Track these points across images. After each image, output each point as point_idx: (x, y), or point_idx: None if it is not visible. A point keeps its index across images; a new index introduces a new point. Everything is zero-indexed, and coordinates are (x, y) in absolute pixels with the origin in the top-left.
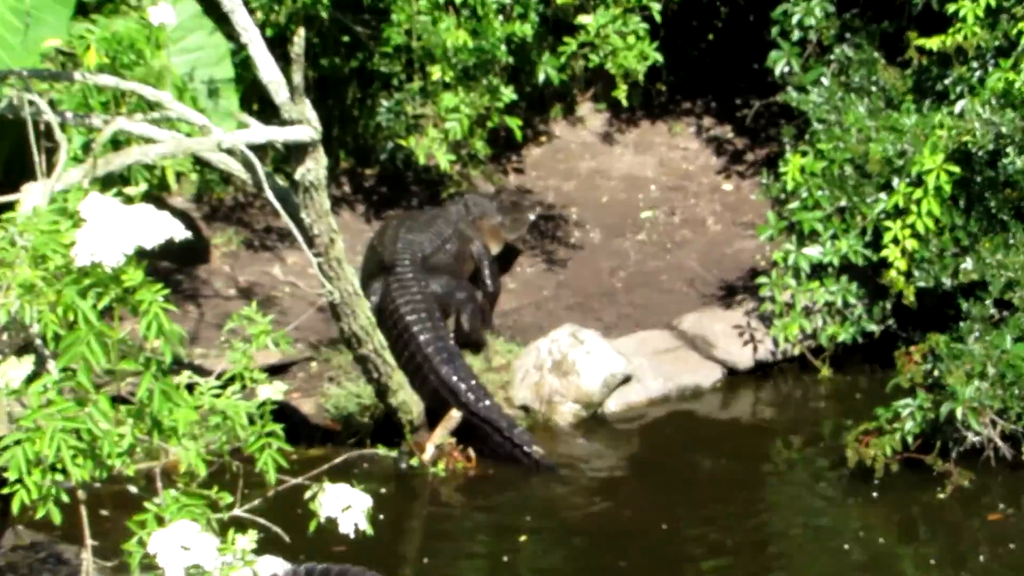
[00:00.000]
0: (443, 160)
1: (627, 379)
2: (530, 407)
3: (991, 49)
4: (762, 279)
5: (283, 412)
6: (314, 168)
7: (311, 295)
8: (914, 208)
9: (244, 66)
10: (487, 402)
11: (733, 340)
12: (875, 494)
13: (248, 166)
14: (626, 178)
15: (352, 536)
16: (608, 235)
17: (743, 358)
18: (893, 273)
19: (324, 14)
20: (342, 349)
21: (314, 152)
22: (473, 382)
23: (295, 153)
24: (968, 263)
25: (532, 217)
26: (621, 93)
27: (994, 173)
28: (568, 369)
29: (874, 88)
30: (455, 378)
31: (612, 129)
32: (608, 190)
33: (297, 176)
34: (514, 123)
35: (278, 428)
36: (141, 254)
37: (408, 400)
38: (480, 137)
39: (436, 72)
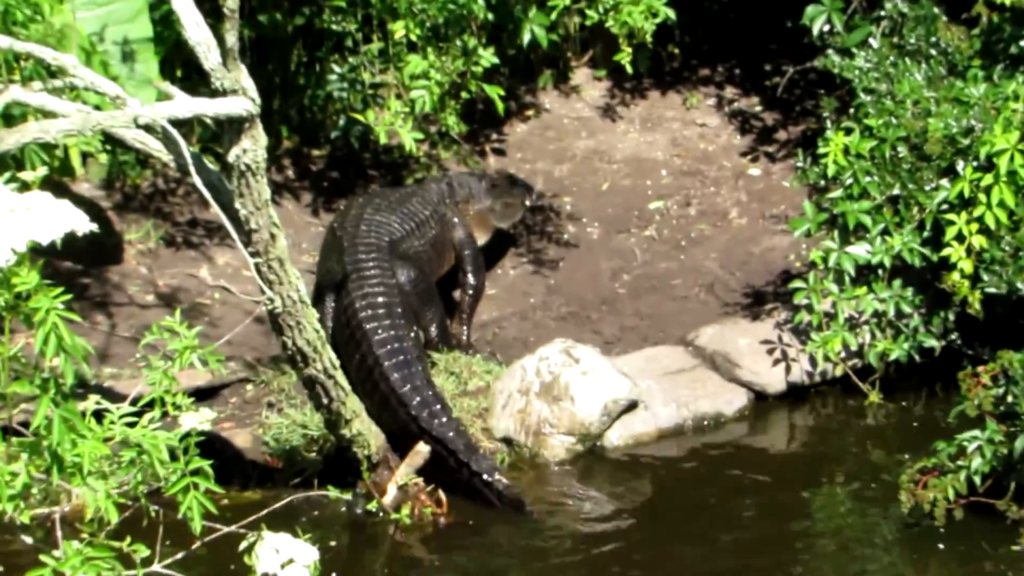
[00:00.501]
0: (408, 139)
1: (632, 406)
2: (513, 440)
3: None
4: (797, 284)
5: (212, 445)
6: (251, 148)
7: (247, 303)
8: (982, 197)
9: (165, 23)
10: (443, 418)
11: (761, 358)
12: (937, 546)
13: (170, 145)
14: (631, 161)
15: None
16: (609, 230)
17: (773, 380)
18: (956, 276)
19: None
20: (285, 369)
21: (251, 129)
22: (429, 393)
23: (228, 130)
24: None
25: (528, 202)
26: (625, 57)
27: None
28: (560, 394)
29: (934, 51)
30: (407, 387)
31: (614, 101)
32: (609, 175)
33: (230, 158)
34: (494, 93)
35: (206, 465)
36: (37, 251)
37: (365, 431)
38: (453, 110)
39: (399, 30)
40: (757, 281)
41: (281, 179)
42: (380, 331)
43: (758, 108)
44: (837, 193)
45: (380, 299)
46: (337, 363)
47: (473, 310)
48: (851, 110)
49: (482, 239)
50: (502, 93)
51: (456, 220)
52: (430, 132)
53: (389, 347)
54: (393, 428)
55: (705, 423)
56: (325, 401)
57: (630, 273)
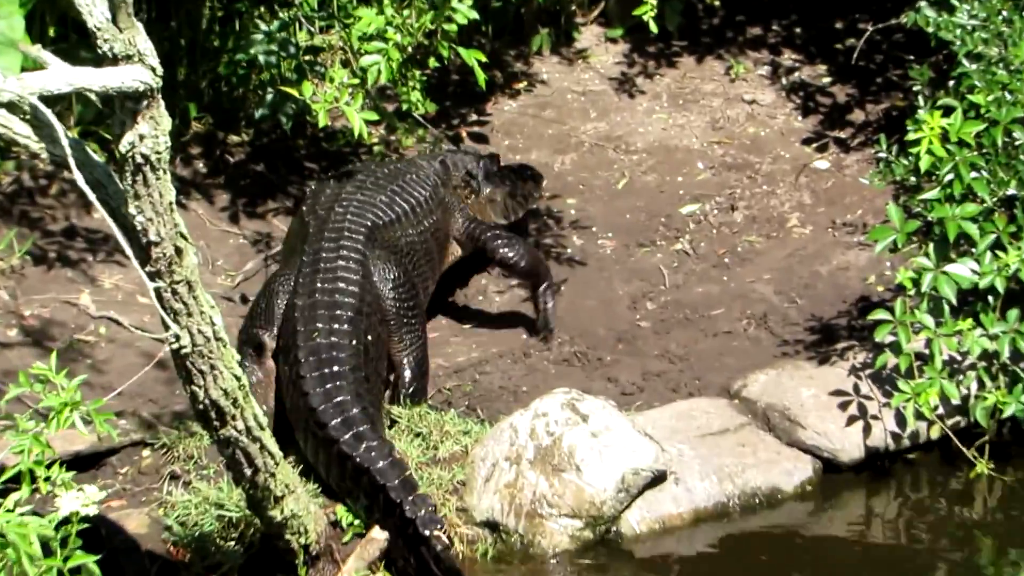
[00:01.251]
0: (357, 121)
1: (659, 478)
2: (500, 524)
3: None
4: (879, 315)
5: (97, 532)
6: (150, 135)
7: (143, 340)
8: None
9: None
10: (373, 442)
11: (831, 415)
12: None
13: (41, 130)
14: (656, 150)
15: None
16: (628, 243)
17: (848, 444)
18: None
19: None
20: (194, 429)
21: (150, 108)
22: (355, 411)
23: (119, 110)
24: None
25: (537, 195)
26: (648, 11)
27: None
28: (562, 462)
29: None
30: (327, 403)
31: (633, 70)
32: (627, 169)
33: (122, 147)
34: (473, 59)
35: (89, 561)
36: None
37: (301, 512)
38: (417, 83)
39: None
40: (825, 311)
41: (189, 175)
42: (314, 337)
43: (826, 80)
44: (933, 193)
45: (334, 299)
46: (265, 421)
47: (546, 296)
48: (951, 82)
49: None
50: (483, 59)
51: (460, 206)
52: (387, 112)
53: (316, 357)
54: (316, 462)
55: (756, 501)
56: (248, 472)
57: (655, 301)
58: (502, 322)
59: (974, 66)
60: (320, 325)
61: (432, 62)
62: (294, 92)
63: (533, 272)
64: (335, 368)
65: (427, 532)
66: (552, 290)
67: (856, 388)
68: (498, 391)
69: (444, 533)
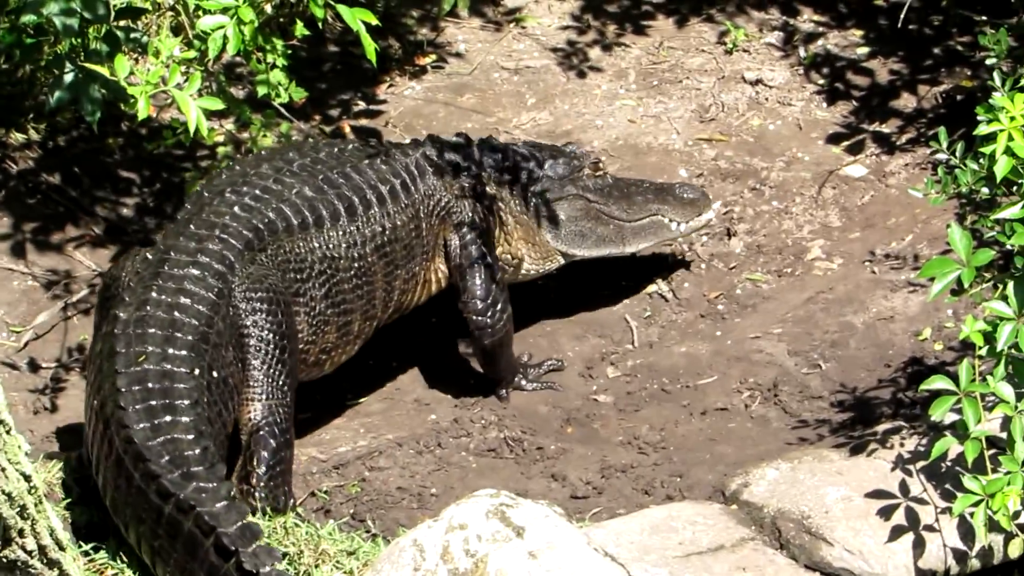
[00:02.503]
0: (194, 111)
1: None
2: None
3: None
4: (936, 383)
5: None
6: None
7: None
8: None
9: None
10: (208, 483)
11: (868, 525)
12: None
13: None
14: (622, 150)
15: None
16: (580, 283)
17: (892, 567)
18: None
19: None
20: None
21: None
22: (190, 452)
23: None
24: None
25: (679, 227)
26: None
27: None
28: None
29: None
30: (152, 441)
31: (588, 38)
32: None
33: None
34: (359, 23)
35: None
36: None
37: None
38: (280, 58)
39: None
40: (861, 379)
41: None
42: (144, 361)
43: (862, 51)
44: (1014, 211)
45: (172, 316)
46: (66, 537)
47: (498, 372)
48: None
49: (527, 266)
50: (374, 22)
51: (461, 211)
52: (236, 99)
53: (142, 386)
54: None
55: None
56: None
57: (619, 365)
58: (404, 396)
59: None
60: (150, 348)
61: (300, 28)
62: (103, 70)
63: (494, 359)
64: (167, 401)
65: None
66: (510, 389)
67: (904, 488)
68: (396, 493)
69: None
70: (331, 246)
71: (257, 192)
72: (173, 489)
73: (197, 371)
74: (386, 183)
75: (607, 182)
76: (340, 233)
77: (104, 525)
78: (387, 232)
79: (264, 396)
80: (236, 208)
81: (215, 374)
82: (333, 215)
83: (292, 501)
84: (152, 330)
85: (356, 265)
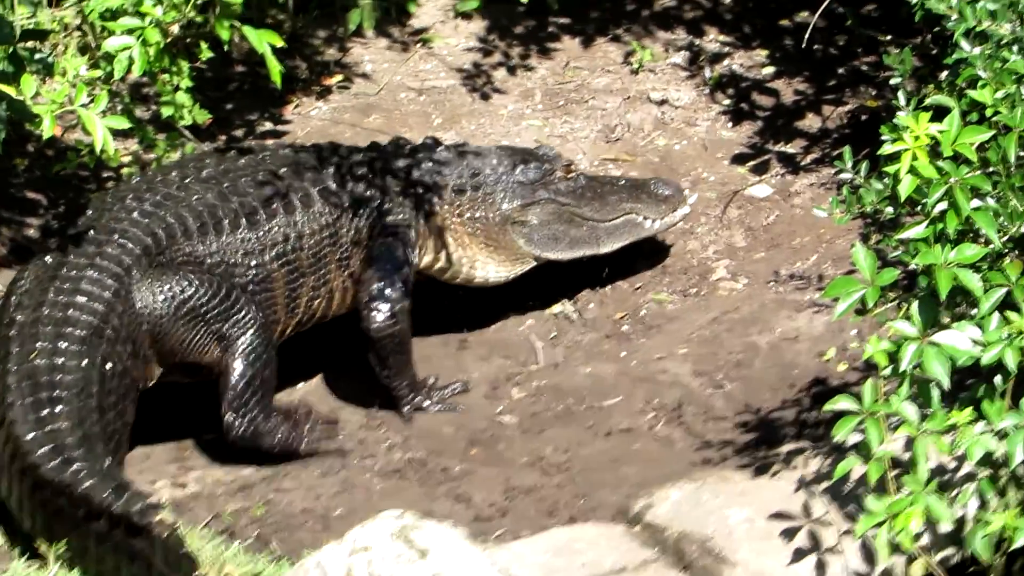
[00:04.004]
0: (100, 130)
1: None
2: None
3: None
4: (840, 403)
5: None
6: None
7: None
8: None
9: None
10: (86, 463)
11: (771, 547)
12: None
13: None
14: None
15: None
16: (483, 303)
17: None
18: None
19: None
20: None
21: None
22: (70, 439)
23: None
24: None
25: (653, 224)
26: None
27: None
28: None
29: None
30: (35, 433)
31: (493, 59)
32: None
33: None
34: (264, 44)
35: None
36: None
37: None
38: (184, 78)
39: None
40: (764, 400)
41: None
42: (35, 358)
43: (768, 70)
44: (917, 231)
45: (66, 314)
46: None
47: (397, 384)
48: (944, 73)
49: (494, 270)
50: (279, 43)
51: (393, 216)
52: (140, 121)
53: (32, 382)
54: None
55: None
56: None
57: (524, 386)
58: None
59: (976, 50)
60: (41, 344)
61: (205, 51)
62: (9, 90)
63: (393, 368)
64: (55, 393)
65: (145, 520)
66: (412, 410)
67: (807, 509)
68: (300, 516)
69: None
70: (229, 251)
71: (152, 202)
72: (50, 476)
73: (86, 363)
74: (298, 191)
75: (579, 183)
76: (239, 239)
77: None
78: (291, 240)
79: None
80: (135, 214)
81: (109, 366)
82: (233, 221)
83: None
84: (46, 328)
85: (255, 272)
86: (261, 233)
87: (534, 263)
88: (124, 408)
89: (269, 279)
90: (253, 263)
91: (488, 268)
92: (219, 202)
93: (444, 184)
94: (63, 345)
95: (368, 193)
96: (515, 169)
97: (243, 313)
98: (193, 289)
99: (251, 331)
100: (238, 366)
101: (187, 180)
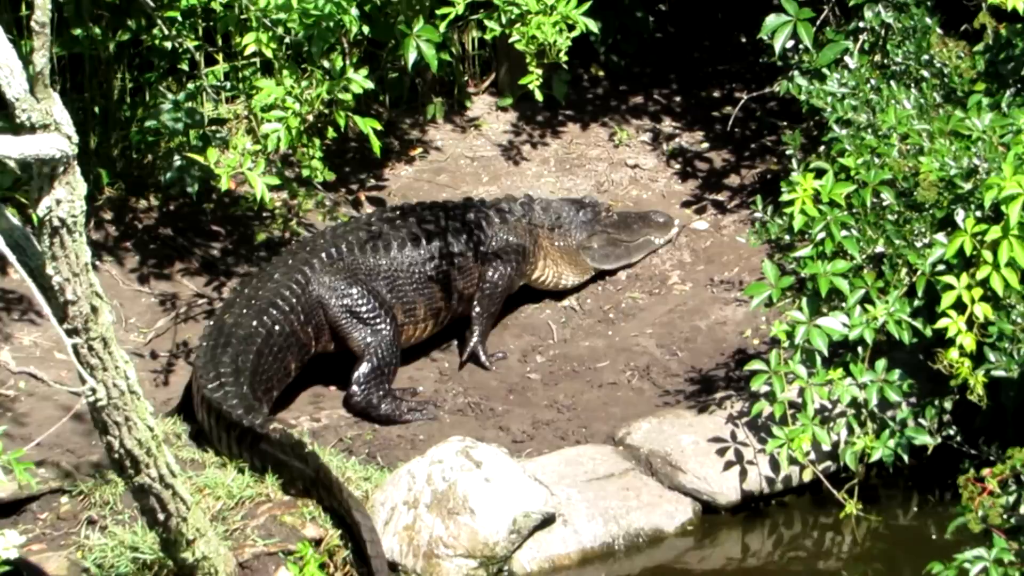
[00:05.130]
0: (259, 185)
1: (548, 520)
2: (399, 564)
3: None
4: (755, 366)
5: (18, 575)
6: (67, 199)
7: (61, 394)
8: (987, 256)
9: None
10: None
11: (710, 460)
12: None
13: None
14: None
15: None
16: (518, 299)
17: (725, 488)
18: (955, 355)
19: None
20: (110, 476)
21: (67, 174)
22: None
23: (37, 176)
24: None
25: (660, 240)
26: (534, 81)
27: None
28: (457, 506)
29: (926, 72)
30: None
31: (522, 138)
32: None
33: (40, 211)
34: (369, 127)
35: None
36: None
37: (212, 554)
38: (316, 150)
39: (249, 46)
40: (705, 363)
41: (101, 237)
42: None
43: (704, 145)
44: (805, 251)
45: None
46: (177, 468)
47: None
48: (822, 147)
49: (572, 279)
50: (379, 127)
51: (515, 241)
52: (287, 178)
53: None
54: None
55: (640, 541)
56: (161, 517)
57: (544, 354)
58: (399, 376)
59: (844, 131)
60: (234, 309)
61: (330, 132)
62: (200, 158)
63: (369, 368)
64: (227, 339)
65: (263, 429)
66: (488, 359)
67: (733, 435)
68: (396, 440)
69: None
70: (395, 265)
71: (345, 229)
72: (208, 395)
73: (255, 322)
74: (449, 227)
75: (614, 218)
76: (404, 256)
77: (200, 461)
78: (444, 259)
79: (365, 345)
80: (325, 236)
81: (277, 328)
82: (400, 244)
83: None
84: (241, 300)
85: (414, 281)
86: (419, 253)
87: (594, 272)
88: (285, 359)
89: (425, 286)
90: (414, 275)
91: (569, 278)
92: (390, 231)
93: (542, 224)
94: (245, 310)
95: (491, 230)
96: (579, 212)
97: (381, 320)
98: (352, 291)
99: (384, 334)
100: (370, 357)
101: (368, 220)
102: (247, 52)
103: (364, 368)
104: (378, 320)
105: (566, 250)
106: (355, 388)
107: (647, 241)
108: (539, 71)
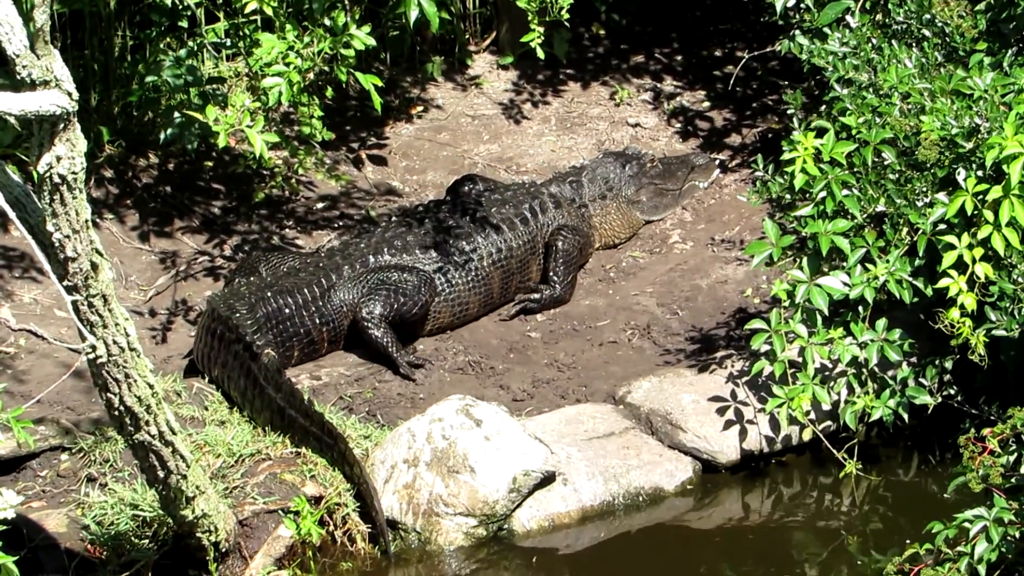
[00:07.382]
0: (259, 142)
1: (548, 479)
2: (399, 522)
3: None
4: (755, 325)
5: (17, 533)
6: (67, 156)
7: (61, 351)
8: (988, 215)
9: None
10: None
11: (710, 419)
12: None
13: None
14: (546, 170)
15: None
16: None
17: (725, 447)
18: (956, 315)
19: None
20: (109, 433)
21: (67, 131)
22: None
23: (37, 132)
24: None
25: (704, 184)
26: (535, 39)
27: None
28: (457, 464)
29: (928, 32)
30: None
31: (523, 96)
32: None
33: (40, 168)
34: (370, 84)
35: (8, 561)
36: None
37: (211, 511)
38: (316, 107)
39: (250, 3)
40: (705, 322)
41: (101, 195)
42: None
43: (705, 104)
44: (806, 210)
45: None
46: (177, 426)
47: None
48: (824, 106)
49: (624, 233)
50: (380, 84)
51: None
52: (287, 136)
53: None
54: None
55: (640, 500)
56: (161, 474)
57: (545, 312)
58: (398, 333)
59: (845, 90)
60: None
61: (329, 91)
62: (199, 116)
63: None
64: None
65: (259, 351)
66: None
67: (733, 394)
68: (396, 398)
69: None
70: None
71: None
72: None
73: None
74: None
75: (658, 168)
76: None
77: (200, 419)
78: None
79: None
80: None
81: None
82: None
83: None
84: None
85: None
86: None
87: (644, 224)
88: (308, 329)
89: (488, 273)
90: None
91: (622, 235)
92: (453, 220)
93: (593, 198)
94: (267, 283)
95: (546, 218)
96: (625, 168)
97: (413, 287)
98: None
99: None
100: (396, 299)
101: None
102: (247, 10)
103: (384, 295)
104: (408, 288)
105: (618, 210)
106: (366, 308)
107: (692, 187)
108: (540, 29)
